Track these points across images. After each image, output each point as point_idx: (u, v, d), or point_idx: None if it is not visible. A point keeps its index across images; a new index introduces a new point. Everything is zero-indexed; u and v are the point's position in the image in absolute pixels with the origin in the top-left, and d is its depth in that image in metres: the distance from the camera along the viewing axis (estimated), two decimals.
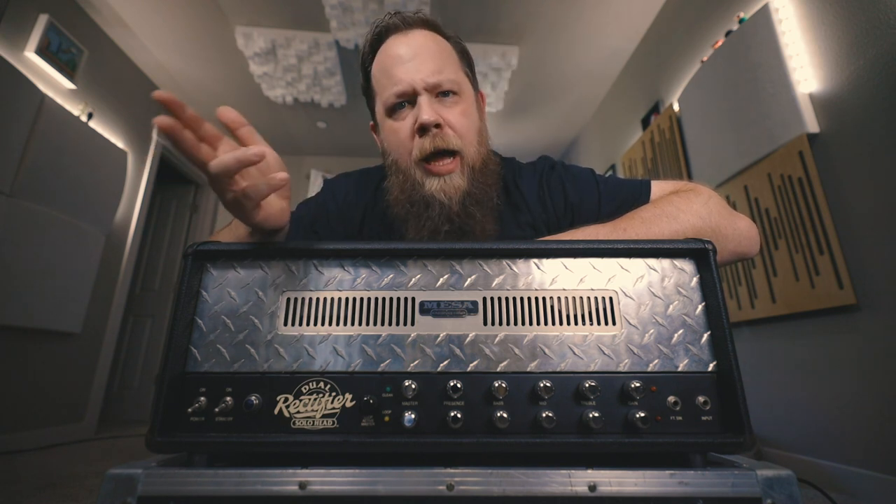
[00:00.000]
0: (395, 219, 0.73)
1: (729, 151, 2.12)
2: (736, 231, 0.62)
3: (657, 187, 0.72)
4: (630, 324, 0.43)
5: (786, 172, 1.80)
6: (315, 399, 0.41)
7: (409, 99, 0.69)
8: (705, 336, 0.43)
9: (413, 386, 0.40)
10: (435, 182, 0.67)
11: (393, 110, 0.71)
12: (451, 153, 0.68)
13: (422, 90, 0.68)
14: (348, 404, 0.41)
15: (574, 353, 0.42)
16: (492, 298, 0.44)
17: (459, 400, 0.41)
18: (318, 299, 0.45)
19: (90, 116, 2.72)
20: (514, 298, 0.44)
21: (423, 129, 0.67)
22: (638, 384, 0.40)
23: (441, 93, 0.69)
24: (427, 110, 0.66)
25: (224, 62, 3.28)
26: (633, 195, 0.71)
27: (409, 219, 0.69)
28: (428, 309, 0.44)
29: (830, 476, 1.59)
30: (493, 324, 0.43)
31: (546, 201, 0.75)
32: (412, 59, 0.69)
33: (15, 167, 2.20)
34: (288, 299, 0.45)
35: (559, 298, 0.44)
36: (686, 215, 0.60)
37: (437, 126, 0.67)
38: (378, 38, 0.73)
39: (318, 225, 0.77)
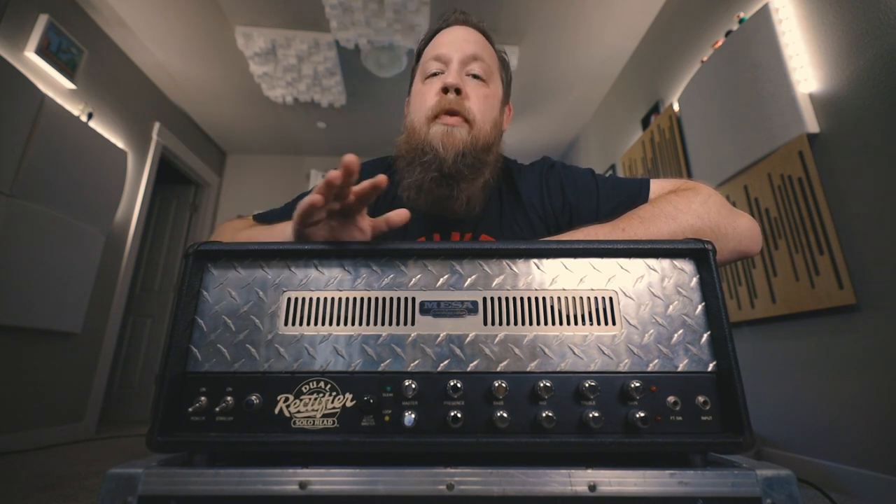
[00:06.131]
0: (398, 178, 0.76)
1: (729, 151, 2.12)
2: (736, 230, 0.62)
3: (656, 186, 0.72)
4: (630, 324, 0.43)
5: (786, 172, 1.80)
6: (315, 399, 0.41)
7: (441, 66, 0.75)
8: (705, 336, 0.43)
9: (413, 386, 0.40)
10: (439, 129, 0.70)
11: (425, 75, 0.77)
12: (463, 117, 0.72)
13: (455, 59, 0.74)
14: (348, 404, 0.41)
15: (574, 353, 0.42)
16: (492, 298, 0.44)
17: (459, 400, 0.41)
18: (318, 299, 0.45)
19: (90, 116, 2.72)
20: (514, 298, 0.44)
21: (445, 90, 0.72)
22: (638, 384, 0.40)
23: (472, 75, 0.75)
24: (453, 74, 0.73)
25: (224, 62, 3.28)
26: (631, 194, 0.71)
27: (407, 168, 0.73)
28: (428, 309, 0.44)
29: (830, 476, 1.60)
30: (493, 324, 0.43)
31: (545, 200, 0.76)
32: (457, 38, 0.77)
33: (15, 167, 2.20)
34: (288, 299, 0.45)
35: (559, 298, 0.44)
36: (685, 214, 0.60)
37: (458, 92, 0.72)
38: (437, 30, 0.81)
39: None
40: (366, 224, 0.52)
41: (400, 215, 0.50)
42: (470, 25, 0.80)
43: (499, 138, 0.78)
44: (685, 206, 0.61)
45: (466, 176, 0.70)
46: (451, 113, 0.71)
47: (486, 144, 0.72)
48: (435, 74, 0.76)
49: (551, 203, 0.76)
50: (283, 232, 0.61)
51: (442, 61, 0.75)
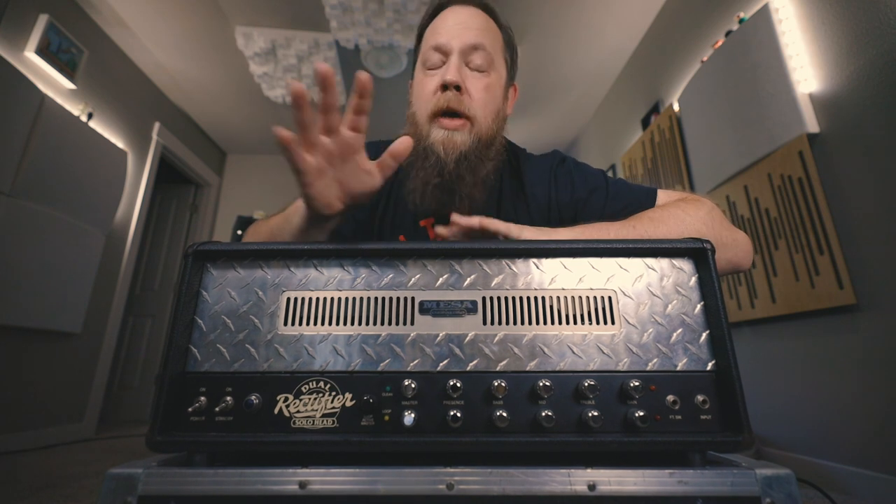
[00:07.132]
0: (401, 170, 0.76)
1: (729, 151, 2.12)
2: (735, 242, 0.65)
3: (663, 195, 0.74)
4: (629, 323, 0.43)
5: (786, 172, 1.80)
6: (315, 398, 0.41)
7: (442, 58, 0.74)
8: (704, 335, 0.43)
9: (413, 385, 0.40)
10: (440, 134, 0.70)
11: (427, 66, 0.75)
12: (463, 116, 0.72)
13: (455, 51, 0.72)
14: (348, 404, 0.41)
15: (573, 353, 0.42)
16: (491, 298, 0.44)
17: (459, 399, 0.41)
18: (318, 299, 0.45)
19: (90, 116, 2.72)
20: (514, 298, 0.44)
21: (444, 87, 0.71)
22: (637, 383, 0.40)
23: (473, 67, 0.74)
24: (453, 70, 0.71)
25: (224, 62, 3.28)
26: (638, 199, 0.73)
27: (411, 169, 0.73)
28: (427, 308, 0.44)
29: (830, 476, 1.60)
30: (492, 323, 0.43)
31: (551, 193, 0.77)
32: (458, 24, 0.74)
33: (15, 167, 2.20)
34: (288, 299, 0.45)
35: (558, 298, 0.44)
36: (692, 219, 0.62)
37: (458, 88, 0.70)
38: (440, 7, 0.79)
39: None
40: (370, 165, 0.50)
41: (403, 144, 0.48)
42: (474, 5, 0.77)
43: (502, 126, 0.78)
44: (693, 211, 0.63)
45: (467, 180, 0.71)
46: (451, 113, 0.71)
47: (488, 139, 0.73)
48: (436, 67, 0.75)
49: (558, 197, 0.76)
50: (295, 208, 0.60)
51: (442, 52, 0.74)
